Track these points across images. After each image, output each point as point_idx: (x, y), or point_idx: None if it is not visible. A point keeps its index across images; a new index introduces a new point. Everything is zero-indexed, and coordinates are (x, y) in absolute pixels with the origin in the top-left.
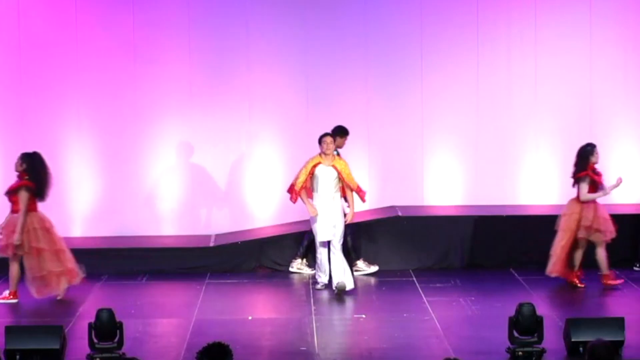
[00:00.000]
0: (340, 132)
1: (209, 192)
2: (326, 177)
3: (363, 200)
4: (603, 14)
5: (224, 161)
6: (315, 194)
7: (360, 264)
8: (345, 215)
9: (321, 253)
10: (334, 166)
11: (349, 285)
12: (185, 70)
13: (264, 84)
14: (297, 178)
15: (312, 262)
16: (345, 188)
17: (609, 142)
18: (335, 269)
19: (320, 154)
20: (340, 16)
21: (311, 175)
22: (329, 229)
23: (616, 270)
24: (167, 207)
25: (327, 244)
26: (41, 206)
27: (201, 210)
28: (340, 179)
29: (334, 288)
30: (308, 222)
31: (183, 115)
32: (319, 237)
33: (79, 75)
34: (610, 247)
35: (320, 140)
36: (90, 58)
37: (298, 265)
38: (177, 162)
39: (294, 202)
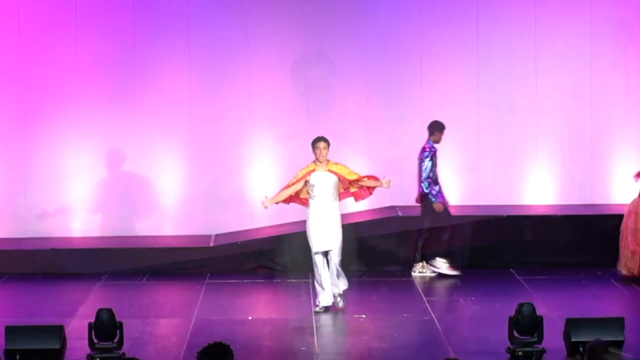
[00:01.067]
0: (438, 127)
1: (209, 192)
2: (324, 183)
3: (377, 178)
4: (603, 15)
5: (224, 161)
6: (312, 202)
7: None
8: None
9: (318, 266)
10: (330, 170)
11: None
12: (185, 71)
13: (264, 84)
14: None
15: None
16: (364, 183)
17: (610, 143)
18: (329, 280)
19: (314, 162)
20: (340, 16)
21: (306, 183)
22: (326, 238)
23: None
24: (167, 207)
25: (325, 255)
26: (40, 205)
27: (201, 210)
28: (342, 180)
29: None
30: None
31: (183, 116)
32: (315, 248)
33: (79, 75)
34: (605, 247)
35: (313, 145)
36: (90, 59)
37: (420, 269)
38: (177, 162)
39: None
